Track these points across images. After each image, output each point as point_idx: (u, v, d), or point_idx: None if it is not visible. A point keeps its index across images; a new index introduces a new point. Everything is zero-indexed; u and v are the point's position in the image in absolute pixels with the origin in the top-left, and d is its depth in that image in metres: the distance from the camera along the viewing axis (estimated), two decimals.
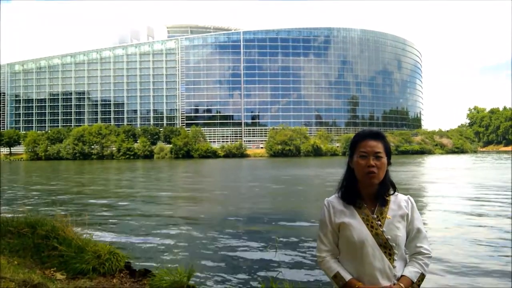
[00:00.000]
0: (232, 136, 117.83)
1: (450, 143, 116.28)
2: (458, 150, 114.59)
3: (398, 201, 2.21)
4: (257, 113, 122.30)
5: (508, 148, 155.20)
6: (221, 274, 7.00)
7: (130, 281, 5.36)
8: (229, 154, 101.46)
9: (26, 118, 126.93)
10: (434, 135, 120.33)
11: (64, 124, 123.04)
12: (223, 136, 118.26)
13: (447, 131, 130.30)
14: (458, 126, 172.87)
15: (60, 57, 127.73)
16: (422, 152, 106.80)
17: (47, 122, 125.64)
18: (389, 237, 2.11)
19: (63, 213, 8.82)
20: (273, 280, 4.45)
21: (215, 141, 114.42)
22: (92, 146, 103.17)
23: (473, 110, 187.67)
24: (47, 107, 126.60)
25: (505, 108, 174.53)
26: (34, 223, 7.09)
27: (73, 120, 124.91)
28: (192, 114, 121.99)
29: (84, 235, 6.50)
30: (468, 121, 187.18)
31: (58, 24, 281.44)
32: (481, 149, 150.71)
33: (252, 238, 9.89)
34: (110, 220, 12.70)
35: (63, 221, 6.87)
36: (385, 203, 2.19)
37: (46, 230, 6.55)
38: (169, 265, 6.83)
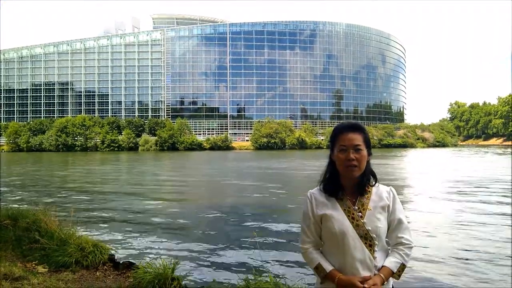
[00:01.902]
0: (218, 129, 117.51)
1: (432, 137, 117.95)
2: (439, 144, 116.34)
3: (380, 193, 2.22)
4: (242, 106, 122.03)
5: (487, 142, 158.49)
6: (205, 266, 7.04)
7: (114, 274, 5.36)
8: (215, 147, 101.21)
9: (7, 109, 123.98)
10: (416, 129, 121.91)
11: (47, 115, 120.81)
12: (209, 129, 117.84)
13: (429, 125, 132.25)
14: (440, 120, 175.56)
15: (43, 46, 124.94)
16: (405, 145, 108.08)
17: (29, 113, 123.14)
18: (370, 228, 2.12)
19: (46, 205, 8.73)
20: (255, 272, 4.51)
21: (200, 134, 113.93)
22: (76, 138, 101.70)
23: (454, 105, 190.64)
24: (29, 97, 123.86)
25: (484, 103, 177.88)
26: (16, 215, 7.02)
27: (56, 111, 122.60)
28: (178, 106, 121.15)
29: (68, 228, 6.44)
30: (449, 115, 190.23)
31: (40, 13, 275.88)
32: (461, 143, 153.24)
33: (235, 230, 9.94)
34: (94, 213, 12.61)
35: (46, 214, 6.81)
36: (365, 194, 2.21)
37: (28, 222, 6.50)
38: (154, 258, 6.84)
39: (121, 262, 5.77)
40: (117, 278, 5.17)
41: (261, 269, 5.92)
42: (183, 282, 4.93)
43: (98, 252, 5.64)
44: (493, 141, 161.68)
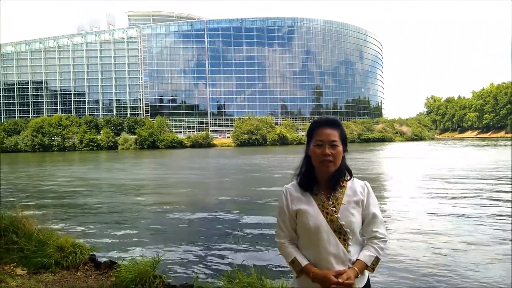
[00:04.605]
0: (198, 126, 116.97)
1: (409, 131, 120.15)
2: (417, 137, 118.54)
3: (354, 187, 2.24)
4: (223, 103, 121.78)
5: (462, 135, 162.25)
6: (187, 263, 7.03)
7: (95, 274, 5.30)
8: (196, 144, 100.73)
9: None
10: (394, 123, 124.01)
11: (21, 115, 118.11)
12: (189, 126, 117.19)
13: (407, 119, 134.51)
14: (417, 114, 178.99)
15: (14, 44, 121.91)
16: (383, 140, 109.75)
17: (2, 113, 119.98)
18: (344, 223, 2.14)
19: (24, 207, 8.55)
20: (238, 268, 4.52)
21: (181, 131, 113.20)
22: (53, 138, 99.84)
23: (430, 99, 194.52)
24: (1, 97, 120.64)
25: (459, 97, 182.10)
26: None
27: (30, 111, 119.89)
28: (157, 104, 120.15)
29: (47, 229, 6.33)
30: (425, 109, 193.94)
31: (11, 11, 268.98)
32: (438, 136, 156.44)
33: (217, 226, 9.94)
34: (74, 213, 12.42)
35: (23, 215, 6.68)
36: (340, 189, 2.22)
37: (5, 224, 6.35)
38: (136, 256, 6.78)
39: (102, 261, 5.71)
40: (99, 278, 5.12)
41: (244, 263, 5.94)
42: (166, 279, 4.90)
43: (79, 252, 5.57)
44: (468, 134, 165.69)
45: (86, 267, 5.48)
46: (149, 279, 4.63)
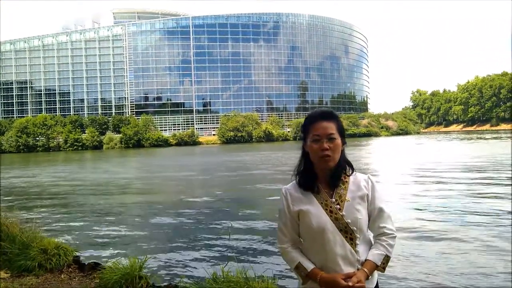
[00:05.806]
0: (184, 124, 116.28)
1: (395, 125, 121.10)
2: (403, 131, 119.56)
3: (358, 182, 2.12)
4: (208, 100, 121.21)
5: (448, 129, 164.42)
6: (173, 263, 7.03)
7: (80, 276, 5.29)
8: (181, 142, 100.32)
9: None
10: (380, 118, 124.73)
11: (6, 116, 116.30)
12: (175, 124, 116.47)
13: (392, 113, 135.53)
14: (402, 108, 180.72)
15: None
16: (369, 134, 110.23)
17: None
18: (349, 221, 2.02)
19: (6, 209, 8.47)
20: (223, 267, 4.55)
21: (166, 130, 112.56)
22: (37, 138, 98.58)
23: (415, 93, 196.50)
24: None
25: (445, 90, 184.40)
26: None
27: (15, 111, 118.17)
28: (142, 102, 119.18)
29: (30, 231, 6.29)
30: (411, 103, 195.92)
31: None
32: (424, 130, 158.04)
33: (204, 226, 9.95)
34: (57, 215, 12.31)
35: (6, 217, 6.63)
36: (342, 184, 2.11)
37: None
38: (120, 257, 6.77)
39: (86, 263, 5.70)
40: (83, 280, 5.11)
41: (230, 263, 5.98)
42: (150, 280, 4.92)
43: (62, 254, 5.54)
44: (453, 127, 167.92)
45: (70, 269, 5.47)
46: (134, 280, 4.63)
